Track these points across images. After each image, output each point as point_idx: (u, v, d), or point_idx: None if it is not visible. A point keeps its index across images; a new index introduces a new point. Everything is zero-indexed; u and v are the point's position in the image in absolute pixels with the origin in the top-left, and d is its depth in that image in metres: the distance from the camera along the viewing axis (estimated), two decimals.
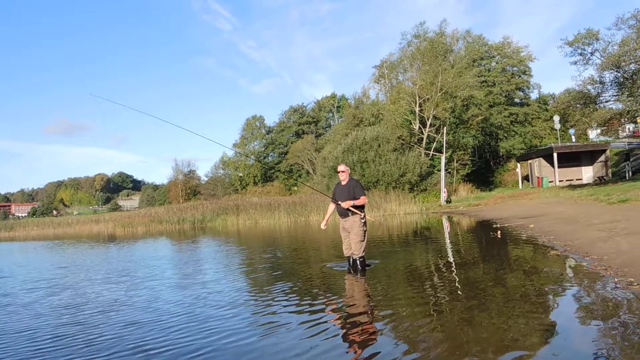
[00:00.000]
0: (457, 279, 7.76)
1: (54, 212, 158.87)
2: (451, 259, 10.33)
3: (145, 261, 13.97)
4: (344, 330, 5.17)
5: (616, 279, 6.50)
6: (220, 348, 4.76)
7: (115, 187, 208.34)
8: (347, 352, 4.42)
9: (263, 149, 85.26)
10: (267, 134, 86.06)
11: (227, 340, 4.99)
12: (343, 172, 9.00)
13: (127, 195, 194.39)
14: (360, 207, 8.78)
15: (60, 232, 45.76)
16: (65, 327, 5.98)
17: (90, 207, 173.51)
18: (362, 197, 8.70)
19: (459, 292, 6.75)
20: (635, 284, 6.07)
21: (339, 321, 5.60)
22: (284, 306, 6.45)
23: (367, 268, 8.92)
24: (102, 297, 8.03)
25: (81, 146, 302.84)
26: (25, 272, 13.06)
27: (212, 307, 6.62)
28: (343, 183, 8.94)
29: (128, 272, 11.20)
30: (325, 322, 5.49)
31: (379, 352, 4.33)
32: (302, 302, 6.63)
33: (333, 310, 6.09)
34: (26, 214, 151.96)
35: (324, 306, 6.33)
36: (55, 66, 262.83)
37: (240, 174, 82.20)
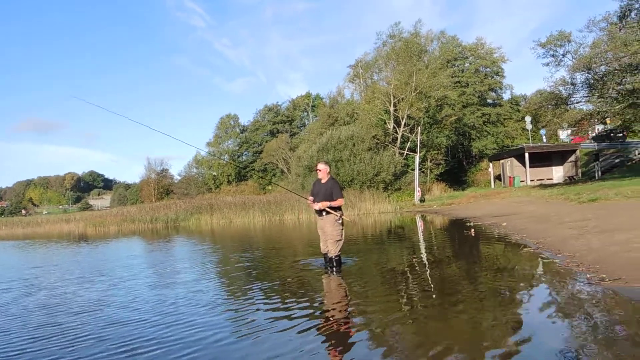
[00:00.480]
0: (432, 278, 7.79)
1: (23, 211, 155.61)
2: (425, 258, 10.37)
3: (121, 261, 13.72)
4: (322, 331, 5.13)
5: (588, 275, 6.59)
6: (203, 348, 4.71)
7: (86, 186, 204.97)
8: (328, 354, 4.39)
9: (237, 148, 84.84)
10: (242, 132, 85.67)
11: (208, 341, 4.94)
12: (320, 170, 8.93)
13: (98, 195, 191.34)
14: (337, 208, 8.74)
15: (30, 231, 44.82)
16: (46, 328, 5.83)
17: (60, 207, 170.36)
18: (338, 199, 8.64)
19: (433, 291, 6.78)
20: (607, 279, 6.17)
21: (317, 322, 5.55)
22: (264, 310, 6.32)
23: (342, 266, 8.92)
24: (81, 297, 7.84)
25: (51, 144, 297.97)
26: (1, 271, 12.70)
27: (193, 307, 6.53)
28: (322, 181, 8.88)
29: (105, 272, 10.96)
30: (304, 323, 5.44)
31: (356, 354, 4.33)
32: (280, 303, 6.60)
33: (311, 311, 6.04)
34: None
35: (301, 306, 6.27)
36: (27, 65, 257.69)
37: (214, 173, 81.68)
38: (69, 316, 6.45)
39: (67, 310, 6.83)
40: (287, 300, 6.61)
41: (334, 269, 8.70)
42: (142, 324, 5.73)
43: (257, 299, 6.88)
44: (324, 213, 8.66)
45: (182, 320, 5.83)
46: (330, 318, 5.65)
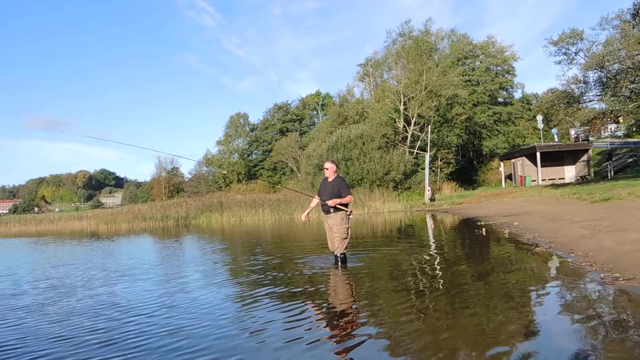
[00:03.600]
0: (443, 277, 7.72)
1: (36, 209, 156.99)
2: (436, 257, 10.29)
3: (148, 258, 13.56)
4: (330, 329, 5.14)
5: (602, 275, 6.51)
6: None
7: (98, 184, 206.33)
8: (335, 353, 4.37)
9: (247, 146, 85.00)
10: (252, 131, 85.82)
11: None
12: (327, 169, 8.99)
13: (110, 193, 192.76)
14: (345, 205, 8.77)
15: (43, 229, 45.17)
16: (106, 332, 5.33)
17: (72, 204, 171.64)
18: (348, 196, 8.68)
19: (444, 289, 6.72)
20: (621, 279, 6.09)
21: (325, 320, 5.55)
22: (278, 311, 6.35)
23: (348, 263, 8.99)
24: (131, 297, 7.42)
25: (62, 142, 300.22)
26: (27, 270, 12.15)
27: (254, 310, 6.17)
28: (329, 180, 8.92)
29: (143, 270, 10.55)
30: (312, 321, 5.47)
31: (364, 353, 4.29)
32: (291, 302, 6.58)
33: (319, 309, 6.02)
34: (7, 211, 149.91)
35: (311, 305, 6.27)
36: (35, 62, 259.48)
37: (224, 172, 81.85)
38: (130, 319, 5.95)
39: (125, 312, 6.34)
40: (297, 300, 6.59)
41: (339, 266, 8.76)
42: (212, 331, 5.23)
43: (270, 299, 6.83)
44: (332, 210, 8.70)
45: (249, 325, 5.40)
46: (338, 316, 5.62)
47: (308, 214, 9.73)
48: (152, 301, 7.01)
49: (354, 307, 6.09)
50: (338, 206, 8.63)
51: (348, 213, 8.76)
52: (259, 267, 10.12)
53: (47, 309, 6.89)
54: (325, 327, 5.20)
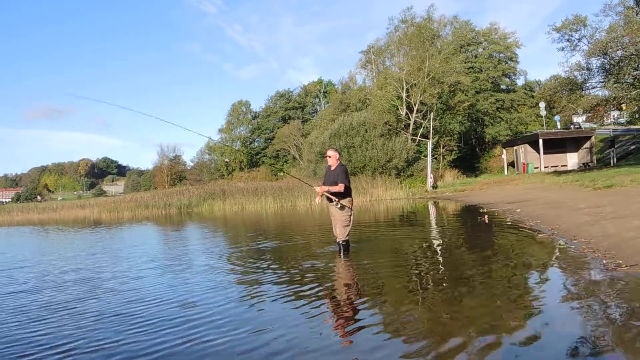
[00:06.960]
0: (445, 264, 7.76)
1: (38, 197, 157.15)
2: (439, 244, 10.32)
3: (170, 248, 13.47)
4: (332, 317, 5.21)
5: (604, 261, 6.54)
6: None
7: (100, 172, 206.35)
8: (338, 339, 4.42)
9: (249, 134, 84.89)
10: (253, 119, 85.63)
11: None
12: (329, 157, 8.91)
13: (112, 181, 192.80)
14: (343, 193, 8.63)
15: (45, 217, 45.28)
16: (171, 337, 4.69)
17: (75, 193, 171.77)
18: (339, 185, 8.47)
19: (447, 277, 6.75)
20: (624, 265, 6.12)
21: (328, 307, 5.62)
22: (278, 297, 6.39)
23: (350, 250, 8.96)
24: (175, 293, 6.73)
25: (65, 130, 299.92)
26: (50, 260, 11.73)
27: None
28: (332, 168, 8.86)
29: (170, 261, 10.18)
30: (315, 309, 5.50)
31: (366, 340, 4.32)
32: (294, 290, 6.68)
33: (323, 298, 6.05)
34: (10, 199, 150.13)
35: (314, 293, 6.32)
36: (37, 53, 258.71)
37: (227, 159, 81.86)
38: (193, 316, 5.40)
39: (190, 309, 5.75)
40: (300, 287, 6.67)
41: (342, 254, 8.76)
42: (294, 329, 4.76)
43: (270, 287, 6.88)
44: (334, 199, 8.64)
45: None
46: (340, 303, 5.69)
47: (320, 197, 9.12)
48: (204, 297, 6.35)
49: (354, 293, 6.12)
50: (329, 195, 8.56)
51: (335, 203, 8.57)
52: (272, 260, 10.08)
53: (90, 305, 6.29)
54: (326, 312, 5.26)
